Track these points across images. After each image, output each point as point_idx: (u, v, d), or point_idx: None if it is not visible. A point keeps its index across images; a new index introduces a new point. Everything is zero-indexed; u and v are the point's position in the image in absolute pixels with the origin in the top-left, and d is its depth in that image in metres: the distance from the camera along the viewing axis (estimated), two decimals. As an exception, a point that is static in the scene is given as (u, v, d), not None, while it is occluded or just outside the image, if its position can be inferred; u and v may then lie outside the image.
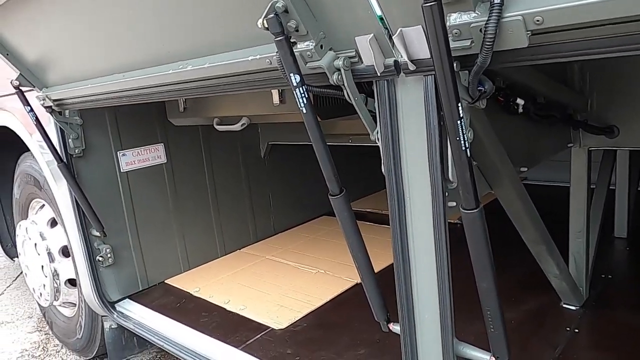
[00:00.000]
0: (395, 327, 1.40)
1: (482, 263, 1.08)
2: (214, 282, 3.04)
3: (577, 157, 2.32)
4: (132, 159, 2.93)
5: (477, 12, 0.90)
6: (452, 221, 3.55)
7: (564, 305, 2.39)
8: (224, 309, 2.69)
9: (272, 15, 1.09)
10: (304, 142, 2.97)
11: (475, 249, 1.07)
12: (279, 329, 2.42)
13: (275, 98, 2.24)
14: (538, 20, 0.84)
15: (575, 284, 2.34)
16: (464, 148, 0.96)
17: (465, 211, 1.03)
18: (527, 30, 0.86)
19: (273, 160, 3.74)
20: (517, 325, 2.27)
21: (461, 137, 0.95)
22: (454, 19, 0.92)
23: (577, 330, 2.21)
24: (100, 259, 2.76)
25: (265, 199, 3.71)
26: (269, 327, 2.44)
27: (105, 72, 1.96)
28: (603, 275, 2.70)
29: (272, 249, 3.51)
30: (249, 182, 3.59)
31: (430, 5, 0.85)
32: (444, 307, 1.22)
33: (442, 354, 1.26)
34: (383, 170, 1.26)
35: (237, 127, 2.59)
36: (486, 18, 0.87)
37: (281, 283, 2.93)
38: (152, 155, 3.03)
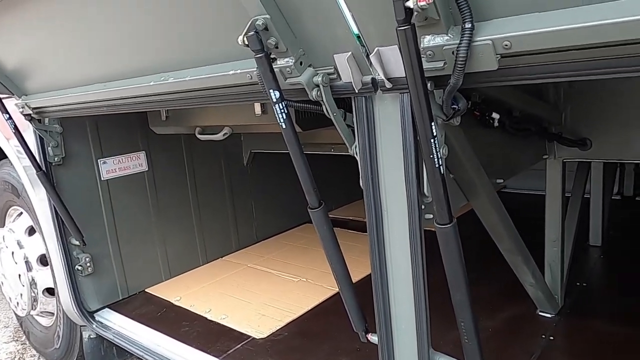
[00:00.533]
0: (373, 338, 1.43)
1: (456, 276, 1.11)
2: (195, 291, 3.03)
3: (552, 168, 2.38)
4: (113, 167, 2.91)
5: (449, 35, 0.93)
6: (432, 229, 3.57)
7: (540, 313, 2.45)
8: (205, 318, 2.68)
9: (252, 32, 1.12)
10: (286, 151, 2.98)
11: (449, 262, 1.10)
12: (260, 338, 2.43)
13: (257, 109, 2.26)
14: (506, 45, 0.87)
15: (550, 292, 2.40)
16: (437, 165, 0.99)
17: (439, 226, 1.06)
18: (497, 54, 0.90)
19: (256, 168, 3.74)
20: (495, 333, 2.32)
21: (434, 155, 0.98)
22: (427, 41, 0.96)
23: (552, 338, 2.26)
24: (80, 267, 2.73)
25: (247, 207, 3.72)
26: (250, 337, 2.44)
27: (86, 81, 1.96)
28: (578, 283, 2.77)
29: (255, 257, 3.51)
30: (232, 190, 3.59)
31: (404, 28, 0.88)
32: (419, 318, 1.25)
33: (418, 364, 1.28)
34: (361, 184, 1.29)
35: (219, 136, 2.60)
36: (458, 41, 0.91)
37: (263, 292, 2.94)
38: (134, 163, 3.01)
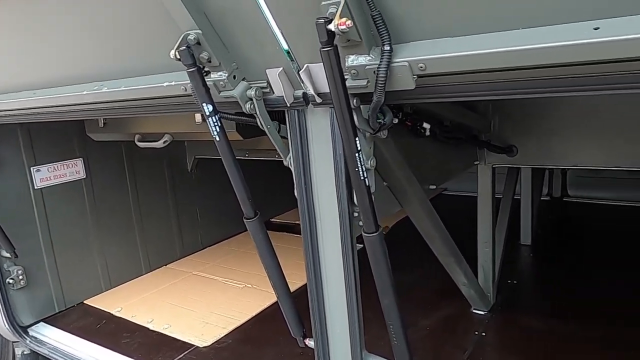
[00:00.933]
0: (311, 342, 1.47)
1: (383, 281, 1.17)
2: (137, 301, 2.96)
3: (483, 173, 2.52)
4: (47, 175, 2.80)
5: (371, 55, 0.99)
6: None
7: (474, 311, 2.58)
8: (147, 328, 2.63)
9: (183, 47, 1.13)
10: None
11: (377, 269, 1.16)
12: (204, 347, 2.41)
13: (198, 117, 2.25)
14: (421, 67, 0.94)
15: (482, 291, 2.54)
16: (362, 178, 1.05)
17: (366, 234, 1.12)
18: (414, 75, 0.96)
19: (201, 174, 3.71)
20: (431, 331, 2.42)
21: (359, 168, 1.04)
22: (351, 60, 1.01)
23: (484, 334, 2.39)
24: (11, 281, 2.61)
25: (192, 213, 3.67)
26: (193, 345, 2.42)
27: (14, 88, 1.89)
28: (509, 281, 2.94)
29: (200, 264, 3.47)
30: (175, 197, 3.54)
31: (327, 49, 0.93)
32: (353, 322, 1.30)
33: (352, 366, 1.34)
34: (296, 193, 1.33)
35: (159, 144, 2.56)
36: (379, 62, 0.96)
37: (208, 299, 2.92)
38: (70, 170, 2.91)
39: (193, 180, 3.66)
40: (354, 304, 1.28)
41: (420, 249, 2.10)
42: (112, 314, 2.82)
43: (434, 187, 2.02)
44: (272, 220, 4.11)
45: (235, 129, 2.16)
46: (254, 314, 2.67)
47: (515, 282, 2.95)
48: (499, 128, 2.40)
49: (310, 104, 1.21)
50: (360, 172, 1.04)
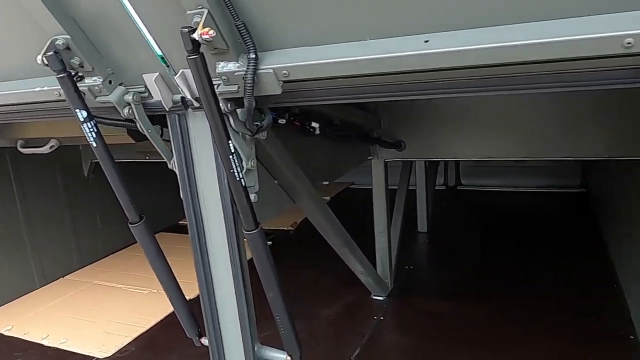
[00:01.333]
0: (206, 341, 1.49)
1: (267, 275, 1.23)
2: (30, 317, 2.78)
3: (376, 167, 2.69)
4: None
5: (240, 62, 1.04)
6: (285, 228, 3.72)
7: (373, 297, 2.75)
8: (42, 345, 2.49)
9: (51, 52, 1.11)
10: (131, 159, 2.89)
11: (260, 264, 1.22)
12: (105, 358, 2.34)
13: (86, 120, 2.15)
14: (285, 74, 1.01)
15: (380, 278, 2.71)
16: (238, 178, 1.10)
17: (247, 232, 1.18)
18: (279, 81, 1.03)
19: (99, 178, 3.54)
20: (333, 320, 2.55)
21: (234, 169, 1.09)
22: (221, 66, 1.05)
23: (382, 318, 2.56)
24: None
25: (92, 220, 3.50)
26: (93, 357, 2.34)
27: None
28: (407, 267, 3.15)
29: (101, 272, 3.33)
30: (71, 203, 3.35)
31: (193, 57, 0.97)
32: (243, 317, 1.35)
33: (244, 359, 1.39)
34: (181, 196, 1.35)
35: (45, 149, 2.42)
36: (245, 69, 1.02)
37: (109, 308, 2.82)
38: (-56, 181, 2.66)
39: (91, 185, 3.49)
40: (243, 300, 1.33)
41: (326, 243, 2.21)
42: (1, 334, 2.63)
43: (327, 182, 2.13)
44: (181, 222, 4.03)
45: (127, 132, 2.10)
46: (159, 319, 2.63)
47: (411, 267, 3.17)
48: (388, 125, 2.57)
49: (189, 108, 1.24)
50: (236, 173, 1.09)
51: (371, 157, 2.65)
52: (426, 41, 0.89)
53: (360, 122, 2.40)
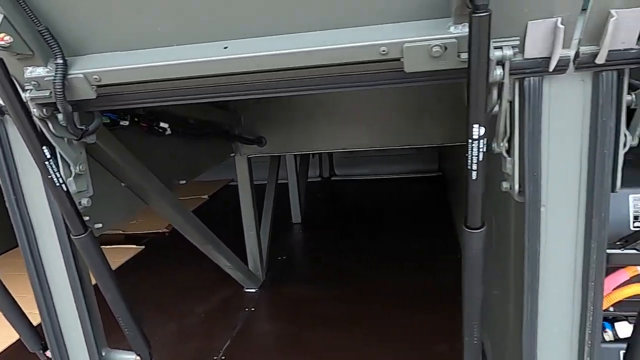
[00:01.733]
0: (50, 354, 1.45)
1: (103, 278, 1.24)
2: None
3: (240, 164, 2.76)
4: None
5: (49, 67, 1.04)
6: (160, 231, 3.60)
7: (246, 290, 2.82)
8: None
9: None
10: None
11: (94, 268, 1.22)
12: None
13: None
14: (96, 78, 1.03)
15: (250, 271, 2.79)
16: (58, 184, 1.09)
17: (75, 237, 1.17)
18: (92, 85, 1.04)
19: None
20: (206, 316, 2.58)
21: (53, 175, 1.08)
22: (29, 72, 1.04)
23: (253, 309, 2.64)
24: None
25: None
26: None
27: None
28: (280, 258, 3.27)
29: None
30: None
31: (-8, 63, 0.95)
32: (85, 322, 1.34)
33: (92, 365, 1.38)
34: (7, 205, 1.29)
35: None
36: (54, 74, 1.02)
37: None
38: None
39: None
40: (83, 306, 1.32)
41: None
42: None
43: (184, 181, 2.14)
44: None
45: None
46: (9, 344, 2.44)
47: (284, 257, 3.30)
48: (248, 122, 2.65)
49: (6, 115, 1.19)
50: (55, 179, 1.08)
51: (234, 154, 2.70)
52: (225, 47, 0.97)
53: (220, 120, 2.45)
